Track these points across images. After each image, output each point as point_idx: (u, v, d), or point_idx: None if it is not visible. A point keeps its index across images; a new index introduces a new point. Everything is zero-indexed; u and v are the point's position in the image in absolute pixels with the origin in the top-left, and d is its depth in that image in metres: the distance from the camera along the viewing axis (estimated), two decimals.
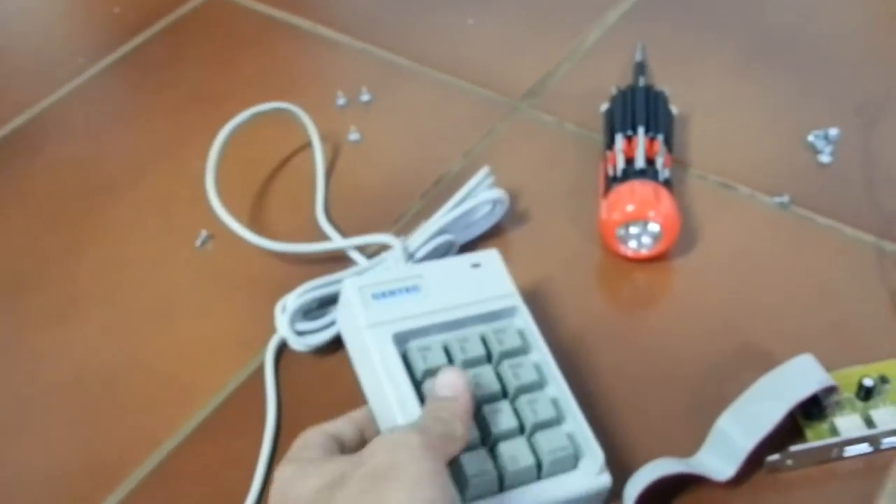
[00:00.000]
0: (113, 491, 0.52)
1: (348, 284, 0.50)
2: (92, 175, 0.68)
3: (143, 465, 0.53)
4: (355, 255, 0.60)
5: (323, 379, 0.55)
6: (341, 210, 0.64)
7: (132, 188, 0.67)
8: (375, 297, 0.50)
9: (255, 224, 0.63)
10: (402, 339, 0.49)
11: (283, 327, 0.55)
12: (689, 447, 0.49)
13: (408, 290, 0.51)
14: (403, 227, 0.62)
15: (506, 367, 0.49)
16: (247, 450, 0.52)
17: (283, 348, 0.57)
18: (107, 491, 0.52)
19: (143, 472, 0.52)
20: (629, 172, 0.58)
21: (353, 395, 0.51)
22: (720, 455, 0.48)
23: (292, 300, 0.56)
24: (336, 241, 0.61)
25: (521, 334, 0.51)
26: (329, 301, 0.57)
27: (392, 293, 0.50)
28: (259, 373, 0.56)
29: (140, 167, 0.69)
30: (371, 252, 0.60)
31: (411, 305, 0.50)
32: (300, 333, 0.56)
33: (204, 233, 0.63)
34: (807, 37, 0.73)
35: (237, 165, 0.66)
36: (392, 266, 0.57)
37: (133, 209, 0.66)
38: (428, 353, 0.49)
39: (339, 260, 0.60)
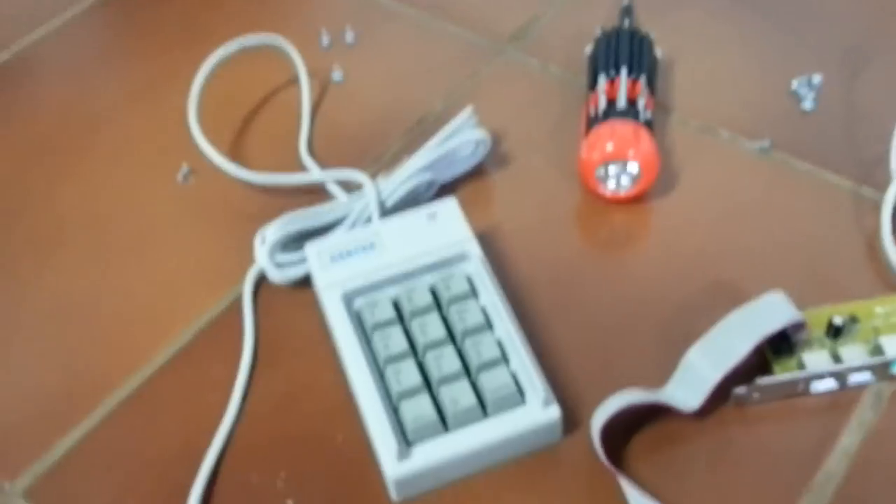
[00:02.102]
0: (91, 412, 0.53)
1: (309, 248, 0.53)
2: (76, 111, 0.69)
3: (122, 387, 0.53)
4: (335, 188, 0.60)
5: (299, 311, 0.56)
6: (323, 147, 0.65)
7: (115, 124, 0.67)
8: (333, 259, 0.53)
9: (237, 158, 0.64)
10: (351, 297, 0.51)
11: (262, 258, 0.56)
12: (658, 382, 0.50)
13: (364, 248, 0.53)
14: (385, 165, 0.63)
15: (453, 312, 0.50)
16: (224, 376, 0.53)
17: (261, 281, 0.57)
18: (85, 412, 0.53)
19: (123, 395, 0.53)
20: (610, 112, 0.58)
21: (323, 331, 0.53)
22: (687, 387, 0.48)
23: (272, 232, 0.56)
24: (315, 174, 0.61)
25: (470, 279, 0.52)
26: (308, 235, 0.57)
27: (349, 253, 0.53)
28: (237, 303, 0.56)
29: (124, 104, 0.69)
30: (354, 187, 0.61)
31: (366, 264, 0.52)
32: (279, 265, 0.56)
33: (185, 167, 0.64)
34: None
35: (220, 101, 0.67)
36: (368, 202, 0.57)
37: (116, 144, 0.66)
38: (376, 307, 0.51)
39: (319, 194, 0.61)
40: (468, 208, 0.59)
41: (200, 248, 0.60)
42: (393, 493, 0.47)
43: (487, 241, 0.58)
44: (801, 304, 0.51)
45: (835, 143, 0.62)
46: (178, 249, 0.60)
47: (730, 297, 0.54)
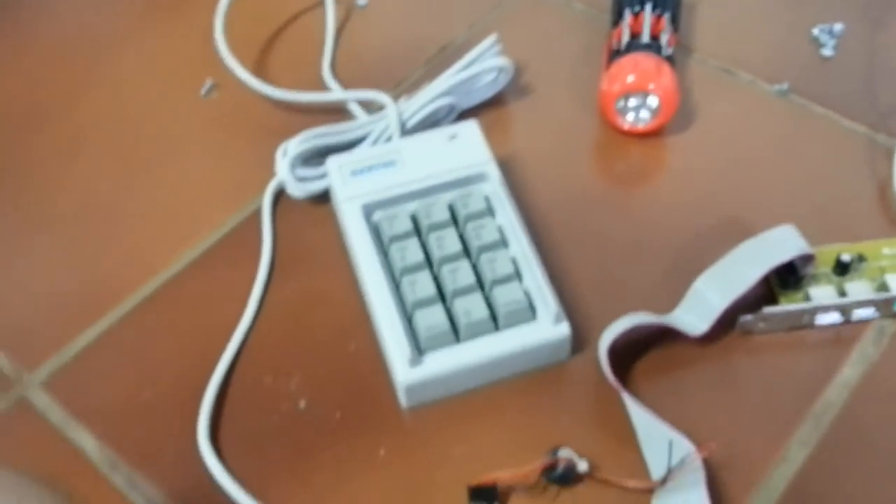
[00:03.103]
0: (111, 311, 0.54)
1: (330, 162, 0.54)
2: (103, 24, 0.69)
3: (139, 290, 0.55)
4: (356, 108, 0.61)
5: (316, 225, 0.57)
6: (346, 69, 0.65)
7: (142, 38, 0.68)
8: (354, 173, 0.54)
9: (261, 75, 0.65)
10: (370, 210, 0.52)
11: (282, 171, 0.57)
12: (667, 310, 0.51)
13: (385, 165, 0.54)
14: (406, 90, 0.63)
15: (469, 228, 0.51)
16: (241, 283, 0.54)
17: (280, 195, 0.58)
18: (106, 311, 0.54)
19: (143, 296, 0.54)
20: (633, 46, 0.59)
21: (340, 245, 0.55)
22: (695, 313, 0.49)
23: (294, 145, 0.57)
24: (337, 93, 0.62)
25: (488, 199, 0.53)
26: (328, 152, 0.58)
27: (370, 168, 0.54)
28: (256, 215, 0.58)
29: (151, 18, 0.69)
30: (375, 109, 0.61)
31: (386, 179, 0.53)
32: (299, 179, 0.57)
33: (209, 81, 0.64)
34: None
35: (247, 19, 0.67)
36: (389, 123, 0.58)
37: (142, 57, 0.67)
38: (394, 220, 0.52)
39: (341, 113, 0.62)
40: (487, 135, 0.59)
41: (222, 160, 0.60)
42: (403, 400, 0.49)
43: (505, 167, 0.59)
44: (810, 242, 0.52)
45: (852, 91, 0.62)
46: (200, 160, 0.61)
47: (741, 232, 0.55)
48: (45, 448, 0.49)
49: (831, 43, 0.65)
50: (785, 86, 0.62)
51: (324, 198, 0.57)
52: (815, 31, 0.66)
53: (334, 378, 0.50)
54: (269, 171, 0.59)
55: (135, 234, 0.57)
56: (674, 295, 0.52)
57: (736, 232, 0.55)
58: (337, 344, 0.52)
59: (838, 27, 0.65)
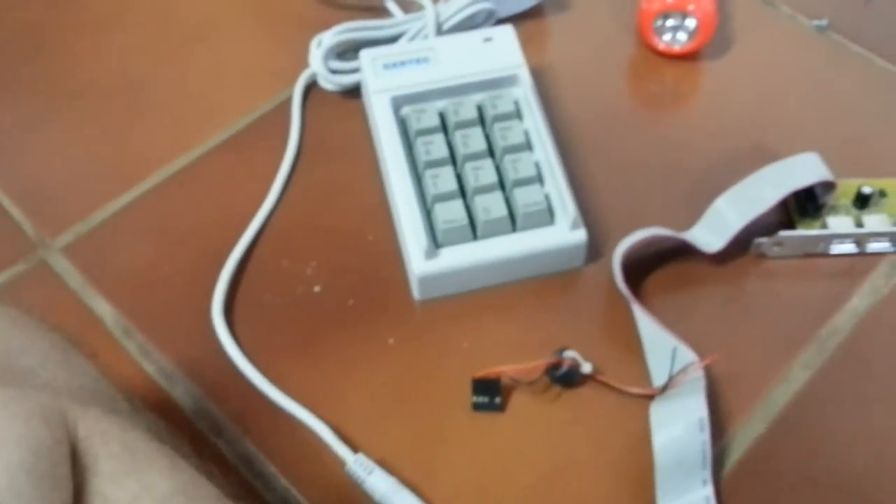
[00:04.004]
0: (137, 185, 0.55)
1: (364, 54, 0.54)
2: None
3: (169, 165, 0.56)
4: (393, 7, 0.61)
5: (345, 118, 0.57)
6: None
7: None
8: (387, 66, 0.54)
9: None
10: (400, 103, 0.53)
11: (316, 61, 0.57)
12: (685, 228, 0.51)
13: (418, 61, 0.54)
14: None
15: (496, 129, 0.51)
16: (267, 167, 0.55)
17: (312, 86, 0.59)
18: (132, 184, 0.55)
19: (169, 172, 0.55)
20: None
21: (366, 140, 0.55)
22: (712, 230, 0.50)
23: (329, 37, 0.57)
24: None
25: (517, 102, 0.53)
26: (362, 46, 0.58)
27: (402, 63, 0.54)
28: (287, 103, 0.58)
29: None
30: (414, 9, 0.61)
31: (418, 75, 0.53)
32: (332, 71, 0.57)
33: None
34: None
35: None
36: (427, 23, 0.58)
37: None
38: (422, 114, 0.52)
39: (379, 12, 0.62)
40: (524, 45, 0.59)
41: (258, 46, 0.61)
42: (416, 292, 0.50)
43: (538, 77, 0.59)
44: (835, 173, 0.52)
45: (890, 33, 0.62)
46: (236, 45, 0.61)
47: (768, 158, 0.54)
48: (62, 311, 0.50)
49: None
50: (824, 22, 0.62)
51: (355, 92, 0.58)
52: None
53: (351, 266, 0.51)
54: (303, 62, 0.59)
55: (167, 111, 0.58)
56: (694, 215, 0.52)
57: (763, 158, 0.55)
58: (356, 233, 0.52)
59: None
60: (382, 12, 0.62)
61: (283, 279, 0.51)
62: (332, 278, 0.51)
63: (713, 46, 0.60)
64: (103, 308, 0.50)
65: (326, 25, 0.59)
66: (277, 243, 0.52)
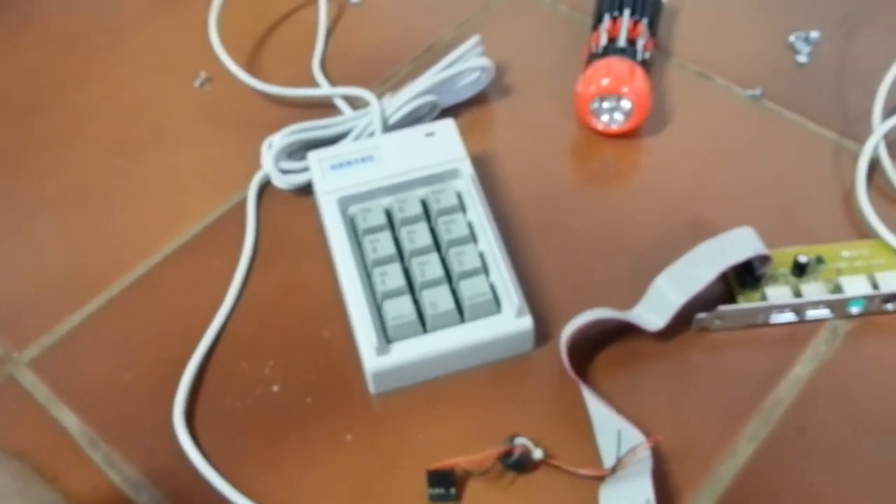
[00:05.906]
0: (99, 294, 0.56)
1: (311, 156, 0.57)
2: (104, 16, 0.72)
3: (127, 274, 0.57)
4: (342, 104, 0.63)
5: (298, 216, 0.59)
6: (336, 66, 0.67)
7: (139, 31, 0.71)
8: (333, 167, 0.56)
9: (253, 70, 0.67)
10: (347, 203, 0.55)
11: (267, 163, 0.59)
12: (629, 307, 0.53)
13: (363, 160, 0.56)
14: (392, 87, 0.65)
15: (440, 223, 0.53)
16: (224, 270, 0.57)
17: (266, 186, 0.61)
18: (93, 294, 0.56)
19: (126, 282, 0.57)
20: (609, 50, 0.61)
21: (321, 236, 0.57)
22: (654, 309, 0.51)
23: (279, 139, 0.59)
24: (324, 89, 0.64)
25: (460, 195, 0.55)
26: (313, 146, 0.60)
27: (348, 163, 0.56)
28: (242, 204, 0.60)
29: (149, 13, 0.72)
30: (360, 105, 0.64)
31: (363, 174, 0.56)
32: (283, 171, 0.59)
33: (203, 74, 0.67)
34: None
35: (241, 15, 0.70)
36: (373, 119, 0.60)
37: (139, 49, 0.69)
38: (369, 213, 0.54)
39: (328, 109, 0.64)
40: (467, 133, 0.62)
41: (212, 151, 0.63)
42: (371, 386, 0.51)
43: (482, 164, 0.61)
44: (773, 244, 0.54)
45: (823, 97, 0.64)
46: (191, 150, 0.63)
47: (707, 232, 0.56)
48: (30, 425, 0.51)
49: (806, 50, 0.66)
50: (758, 91, 0.64)
51: (308, 189, 0.60)
52: (792, 38, 0.67)
53: (307, 364, 0.53)
54: (256, 163, 0.61)
55: (125, 219, 0.60)
56: (638, 291, 0.53)
57: (702, 232, 0.57)
58: (312, 331, 0.54)
59: (814, 35, 0.67)
60: (333, 109, 0.64)
61: (243, 381, 0.52)
62: (289, 377, 0.52)
63: (651, 122, 0.63)
64: (70, 420, 0.52)
65: (279, 125, 0.61)
66: (236, 345, 0.54)
